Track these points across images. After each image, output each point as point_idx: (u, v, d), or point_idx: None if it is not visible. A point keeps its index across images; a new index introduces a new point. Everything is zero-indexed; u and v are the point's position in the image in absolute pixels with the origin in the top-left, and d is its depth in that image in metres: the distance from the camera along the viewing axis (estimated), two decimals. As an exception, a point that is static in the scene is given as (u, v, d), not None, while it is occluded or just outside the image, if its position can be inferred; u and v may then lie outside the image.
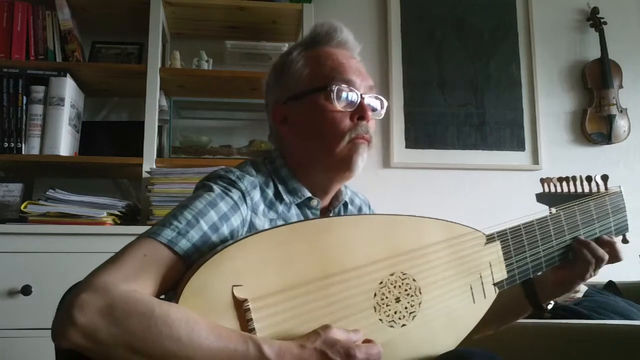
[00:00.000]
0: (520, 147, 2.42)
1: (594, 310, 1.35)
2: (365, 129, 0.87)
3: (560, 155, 2.45)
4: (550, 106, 2.49)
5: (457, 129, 2.39)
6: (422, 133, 2.36)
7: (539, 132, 2.42)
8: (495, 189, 2.37)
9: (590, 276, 0.94)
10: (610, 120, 2.44)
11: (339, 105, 0.86)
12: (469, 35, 2.47)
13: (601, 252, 0.93)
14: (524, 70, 2.47)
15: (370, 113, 0.88)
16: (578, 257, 0.94)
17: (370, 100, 0.90)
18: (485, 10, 2.50)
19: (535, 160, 2.40)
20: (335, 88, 0.85)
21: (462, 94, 2.42)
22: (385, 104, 0.94)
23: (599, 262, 0.93)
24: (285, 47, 2.15)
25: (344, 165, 0.86)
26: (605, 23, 2.50)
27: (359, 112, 0.87)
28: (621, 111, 2.47)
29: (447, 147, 2.37)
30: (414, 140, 2.35)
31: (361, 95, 0.88)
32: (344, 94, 0.86)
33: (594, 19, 2.52)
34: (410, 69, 2.39)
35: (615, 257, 0.96)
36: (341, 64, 0.88)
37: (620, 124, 2.47)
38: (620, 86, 2.50)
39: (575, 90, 2.53)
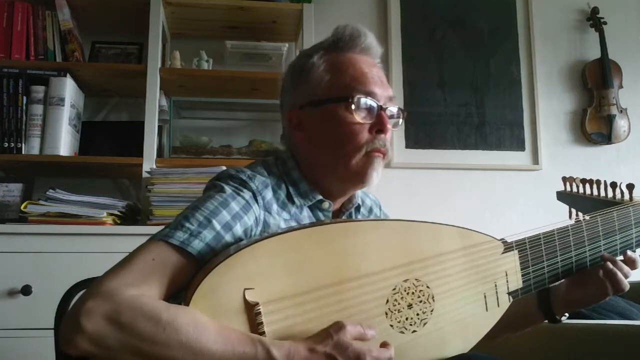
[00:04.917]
0: (520, 147, 2.42)
1: (594, 310, 1.35)
2: (383, 142, 0.85)
3: (560, 155, 2.45)
4: (550, 106, 2.49)
5: (457, 129, 2.39)
6: (422, 133, 2.36)
7: (539, 132, 2.42)
8: (495, 189, 2.36)
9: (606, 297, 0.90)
10: (610, 120, 2.44)
11: (358, 117, 0.84)
12: (469, 35, 2.47)
13: (625, 273, 0.90)
14: (524, 70, 2.47)
15: (389, 126, 0.86)
16: (600, 279, 0.90)
17: (390, 111, 0.88)
18: (485, 10, 2.50)
19: (535, 160, 2.40)
20: (356, 99, 0.83)
21: (462, 94, 2.42)
22: (405, 114, 0.92)
23: (616, 286, 0.89)
24: (285, 47, 2.15)
25: (358, 178, 0.85)
26: (605, 23, 2.50)
27: (378, 125, 0.85)
28: (621, 111, 2.47)
29: (447, 147, 2.37)
30: (414, 140, 2.35)
31: (381, 107, 0.86)
32: (364, 106, 0.84)
33: (594, 19, 2.52)
34: (410, 68, 2.39)
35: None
36: (363, 73, 0.86)
37: (620, 124, 2.47)
38: (620, 86, 2.50)
39: (575, 90, 2.53)
